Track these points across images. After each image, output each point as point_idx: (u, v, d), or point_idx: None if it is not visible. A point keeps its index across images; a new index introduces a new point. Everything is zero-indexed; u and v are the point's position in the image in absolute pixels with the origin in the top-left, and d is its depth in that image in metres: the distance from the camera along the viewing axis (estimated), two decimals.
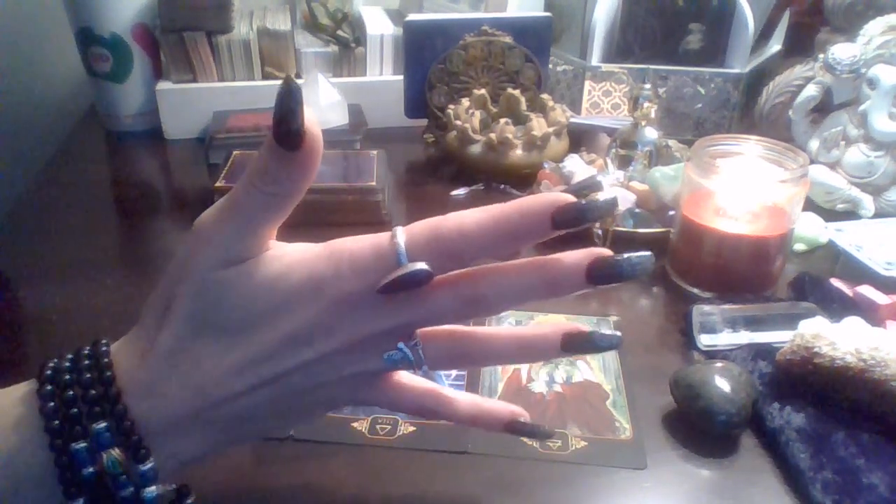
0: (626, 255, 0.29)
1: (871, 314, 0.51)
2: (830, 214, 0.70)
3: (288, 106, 0.27)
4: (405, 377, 0.35)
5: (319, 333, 0.29)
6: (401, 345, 0.31)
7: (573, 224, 0.28)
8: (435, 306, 0.30)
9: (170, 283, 0.30)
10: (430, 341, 0.32)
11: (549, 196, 0.28)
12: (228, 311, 0.29)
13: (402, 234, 0.29)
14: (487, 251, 0.29)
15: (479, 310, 0.31)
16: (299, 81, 0.90)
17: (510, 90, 0.85)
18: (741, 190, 0.57)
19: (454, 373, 0.48)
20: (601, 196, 0.29)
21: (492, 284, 0.30)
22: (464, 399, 0.36)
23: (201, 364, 0.29)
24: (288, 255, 0.30)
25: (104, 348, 0.31)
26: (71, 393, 0.29)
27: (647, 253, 0.30)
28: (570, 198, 0.28)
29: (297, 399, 0.31)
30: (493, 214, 0.29)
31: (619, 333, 0.32)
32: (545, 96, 0.85)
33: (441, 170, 0.84)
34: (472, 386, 0.47)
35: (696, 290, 0.58)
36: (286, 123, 0.27)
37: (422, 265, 0.28)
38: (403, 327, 0.31)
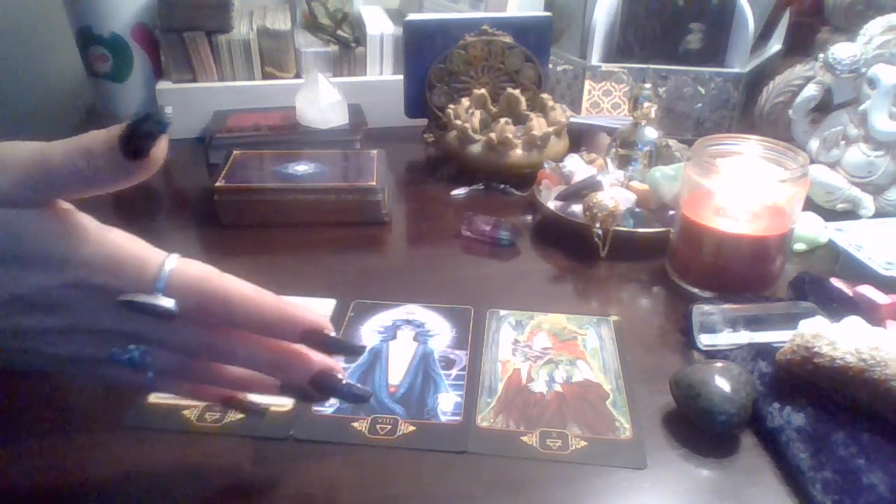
0: (348, 384, 0.35)
1: (871, 314, 0.51)
2: (830, 214, 0.70)
3: (149, 130, 0.27)
4: None
5: (47, 307, 0.29)
6: (132, 347, 0.32)
7: (319, 349, 0.33)
8: (171, 337, 0.32)
9: None
10: (163, 357, 0.33)
11: (308, 317, 0.32)
12: None
13: (171, 265, 0.30)
14: (238, 327, 0.32)
15: (211, 359, 0.34)
16: (299, 81, 0.90)
17: (510, 90, 0.85)
18: (741, 190, 0.57)
19: (454, 372, 0.48)
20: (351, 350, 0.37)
21: (230, 349, 0.33)
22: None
23: None
24: (55, 219, 0.29)
25: None
26: None
27: (368, 391, 0.35)
28: (327, 326, 0.33)
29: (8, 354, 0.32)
30: (260, 305, 0.31)
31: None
32: (545, 96, 0.85)
33: (441, 170, 0.83)
34: (472, 385, 0.47)
35: (696, 290, 0.58)
36: (140, 143, 0.27)
37: (170, 305, 0.29)
38: (135, 338, 0.32)
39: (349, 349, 0.37)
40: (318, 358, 0.34)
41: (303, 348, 0.34)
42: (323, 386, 0.34)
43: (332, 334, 0.33)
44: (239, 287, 0.31)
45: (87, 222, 0.30)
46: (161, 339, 0.32)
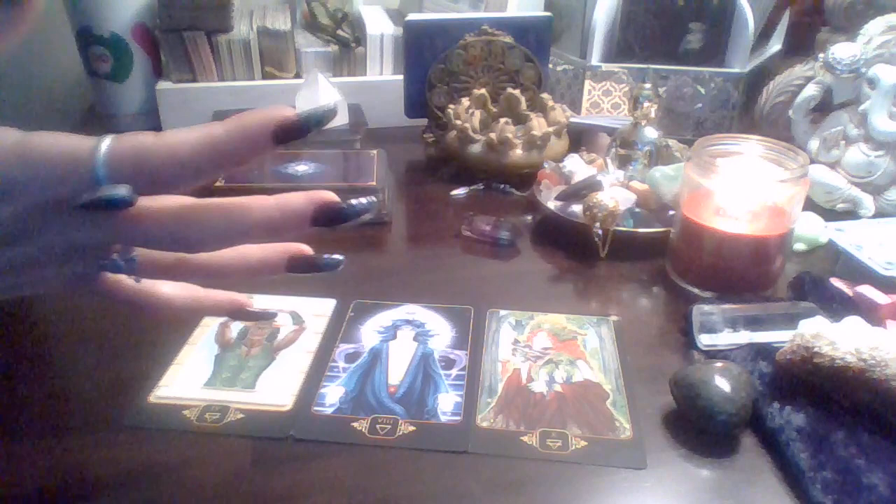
0: (351, 201, 0.30)
1: (871, 314, 0.51)
2: (830, 214, 0.70)
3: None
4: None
5: (17, 237, 0.27)
6: (115, 257, 0.30)
7: (294, 137, 0.28)
8: (139, 235, 0.28)
9: None
10: (146, 257, 0.31)
11: (269, 111, 0.27)
12: None
13: (104, 147, 0.26)
14: (202, 178, 0.28)
15: (188, 249, 0.29)
16: (299, 81, 0.90)
17: (510, 90, 0.85)
18: (741, 190, 0.57)
19: (454, 372, 0.48)
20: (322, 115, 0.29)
21: (203, 226, 0.28)
22: (179, 294, 0.36)
23: None
24: None
25: None
26: None
27: (372, 199, 0.30)
28: (290, 112, 0.28)
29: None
30: (212, 137, 0.27)
31: (340, 258, 0.32)
32: (545, 96, 0.85)
33: (441, 170, 0.83)
34: (472, 385, 0.47)
35: (696, 290, 0.58)
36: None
37: (121, 191, 0.26)
38: (111, 243, 0.30)
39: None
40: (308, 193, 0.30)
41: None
42: (332, 215, 0.30)
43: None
44: (179, 136, 0.27)
45: (5, 135, 0.27)
46: (130, 240, 0.29)
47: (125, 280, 0.34)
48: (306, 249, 0.33)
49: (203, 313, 0.38)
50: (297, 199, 0.30)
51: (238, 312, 0.37)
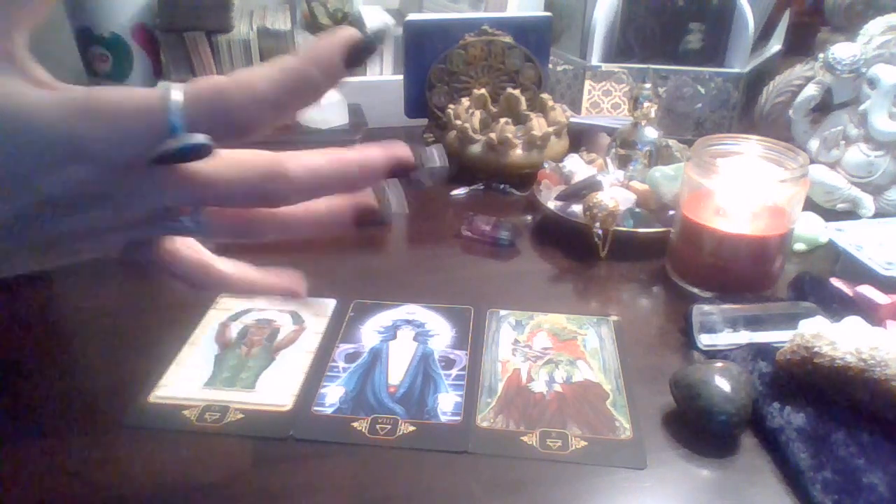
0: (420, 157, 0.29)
1: (871, 314, 0.51)
2: (830, 214, 0.70)
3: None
4: (181, 245, 0.32)
5: (91, 202, 0.26)
6: (184, 218, 0.28)
7: (364, 57, 0.27)
8: (221, 191, 0.27)
9: None
10: (215, 214, 0.29)
11: (335, 36, 0.26)
12: None
13: (177, 95, 0.25)
14: (281, 116, 0.27)
15: (271, 204, 0.28)
16: None
17: (510, 90, 0.85)
18: (741, 190, 0.57)
19: (454, 372, 0.48)
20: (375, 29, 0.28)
21: (289, 180, 0.28)
22: (234, 273, 0.33)
23: None
24: (36, 94, 0.24)
25: None
26: None
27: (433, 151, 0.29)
28: (354, 33, 0.26)
29: (55, 252, 0.28)
30: (287, 68, 0.26)
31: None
32: (545, 96, 0.85)
33: None
34: (472, 385, 0.47)
35: (696, 290, 0.58)
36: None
37: (199, 138, 0.24)
38: (189, 203, 0.28)
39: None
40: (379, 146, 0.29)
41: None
42: (407, 168, 0.29)
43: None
44: (254, 72, 0.26)
45: (77, 90, 0.25)
46: (209, 197, 0.27)
47: (183, 251, 0.32)
48: (371, 201, 0.31)
49: (256, 294, 0.34)
50: (375, 153, 0.29)
51: (290, 296, 0.34)
